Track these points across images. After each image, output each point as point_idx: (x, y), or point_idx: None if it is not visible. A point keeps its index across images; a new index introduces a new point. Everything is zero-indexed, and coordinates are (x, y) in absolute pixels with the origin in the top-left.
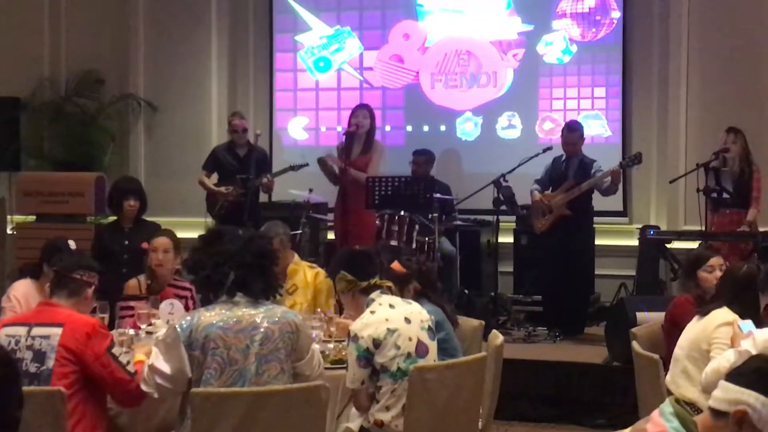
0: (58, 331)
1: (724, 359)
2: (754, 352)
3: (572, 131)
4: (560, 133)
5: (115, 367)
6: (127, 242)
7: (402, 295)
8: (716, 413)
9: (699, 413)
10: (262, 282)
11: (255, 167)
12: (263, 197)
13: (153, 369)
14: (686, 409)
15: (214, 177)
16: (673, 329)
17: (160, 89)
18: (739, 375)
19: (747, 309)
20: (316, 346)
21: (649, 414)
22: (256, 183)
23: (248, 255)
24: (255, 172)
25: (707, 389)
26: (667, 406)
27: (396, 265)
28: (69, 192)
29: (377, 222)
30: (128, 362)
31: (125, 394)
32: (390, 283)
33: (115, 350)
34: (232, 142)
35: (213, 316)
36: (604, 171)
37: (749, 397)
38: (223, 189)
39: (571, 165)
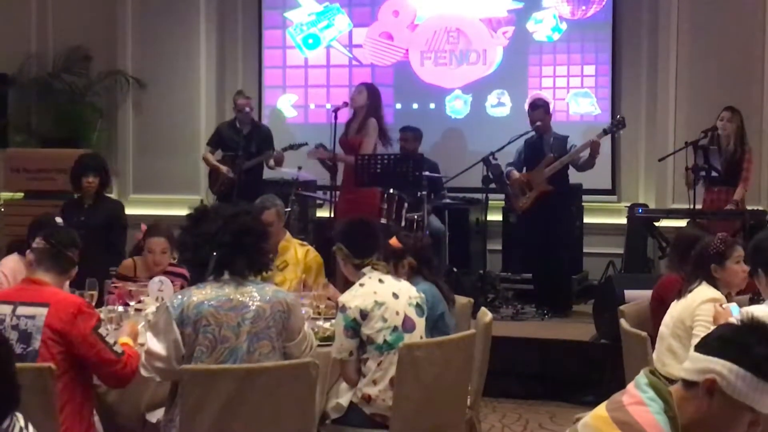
0: (44, 311)
1: None
2: None
3: (534, 109)
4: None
5: (102, 347)
6: (83, 218)
7: (397, 271)
8: (687, 384)
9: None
10: (246, 259)
11: (258, 145)
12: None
13: (149, 353)
14: (661, 379)
15: (218, 154)
16: (660, 307)
17: (148, 66)
18: (705, 344)
19: (709, 280)
20: (309, 330)
21: None
22: (246, 165)
23: (227, 234)
24: (257, 150)
25: None
26: (641, 377)
27: (393, 241)
28: (57, 169)
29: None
30: (115, 342)
31: (112, 374)
32: (383, 266)
33: (102, 330)
34: (236, 120)
35: (204, 294)
36: (578, 146)
37: (716, 365)
38: (224, 168)
39: (545, 142)
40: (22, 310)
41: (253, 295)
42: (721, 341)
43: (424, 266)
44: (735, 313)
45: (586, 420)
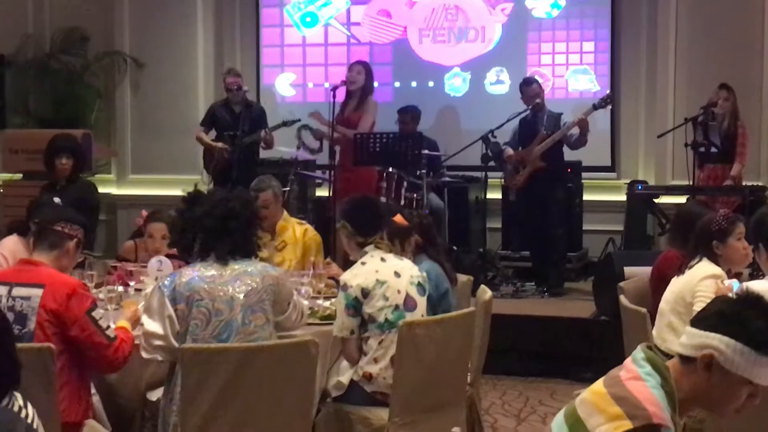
0: (39, 292)
1: None
2: None
3: (527, 85)
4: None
5: (94, 330)
6: (56, 200)
7: (403, 248)
8: (685, 359)
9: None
10: (230, 244)
11: (251, 124)
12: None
13: (147, 334)
14: (657, 354)
15: (212, 134)
16: (659, 284)
17: (146, 46)
18: (702, 319)
19: (711, 256)
20: (298, 299)
21: None
22: (246, 140)
23: (210, 219)
24: (250, 129)
25: None
26: (638, 352)
27: (398, 218)
28: None
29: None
30: (108, 326)
31: (102, 359)
32: (386, 244)
33: (101, 310)
34: (228, 99)
35: (195, 271)
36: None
37: (713, 340)
38: (219, 145)
39: (539, 119)
40: (17, 291)
41: (244, 269)
42: (719, 316)
43: (429, 244)
44: (736, 288)
45: (583, 396)
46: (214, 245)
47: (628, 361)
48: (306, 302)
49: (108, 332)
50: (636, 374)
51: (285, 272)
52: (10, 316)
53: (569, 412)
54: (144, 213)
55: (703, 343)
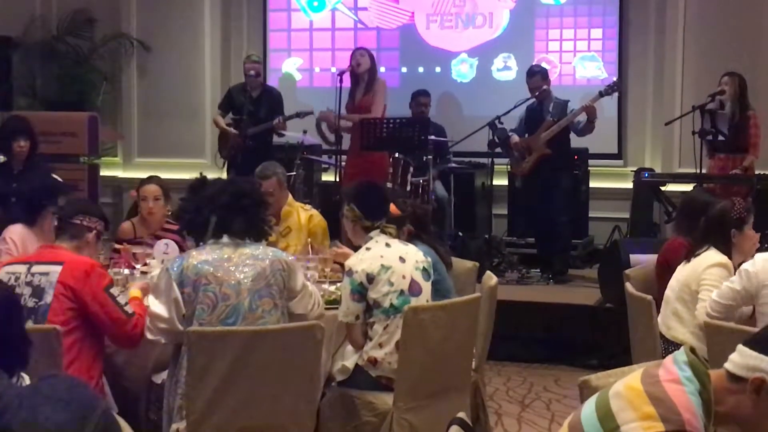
0: (58, 268)
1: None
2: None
3: (531, 76)
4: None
5: (113, 306)
6: (15, 185)
7: (397, 236)
8: (733, 377)
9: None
10: (244, 221)
11: (267, 108)
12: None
13: (152, 315)
14: (701, 360)
15: (229, 117)
16: (665, 272)
17: (153, 29)
18: (759, 341)
19: (724, 246)
20: (312, 287)
21: (642, 355)
22: (251, 131)
23: (225, 196)
24: (266, 114)
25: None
26: (681, 354)
27: (392, 207)
28: (61, 132)
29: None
30: (126, 303)
31: (122, 334)
32: (393, 230)
33: (114, 290)
34: (246, 83)
35: (203, 255)
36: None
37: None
38: (232, 130)
39: (545, 107)
40: (37, 268)
41: (252, 254)
42: None
43: (422, 232)
44: None
45: (618, 389)
46: (230, 223)
47: (668, 361)
48: (313, 287)
49: (126, 308)
50: (675, 377)
51: (299, 259)
52: (28, 290)
53: (601, 402)
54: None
55: (757, 366)
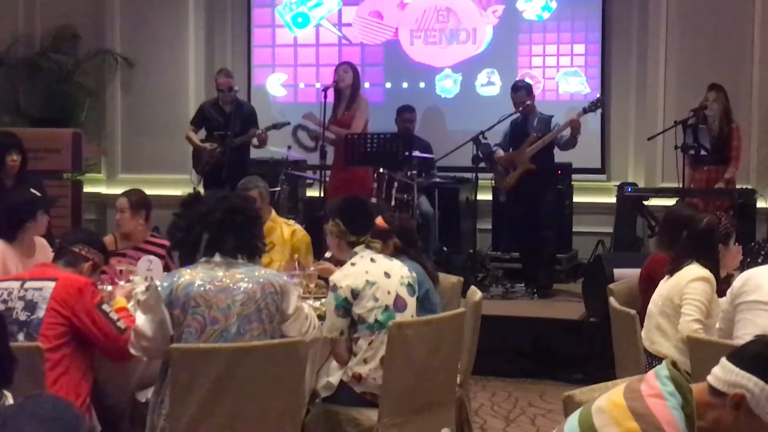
0: (51, 284)
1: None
2: None
3: (516, 91)
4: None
5: (105, 322)
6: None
7: (382, 251)
8: (714, 391)
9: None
10: (236, 238)
11: (241, 124)
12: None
13: (137, 332)
14: (683, 374)
15: (202, 133)
16: (648, 286)
17: (136, 45)
18: (740, 357)
19: (708, 260)
20: (309, 310)
21: (626, 369)
22: (236, 141)
23: (218, 212)
24: (240, 129)
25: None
26: (663, 369)
27: (379, 221)
28: (45, 149)
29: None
30: (118, 319)
31: (115, 349)
32: (378, 244)
33: (106, 306)
34: (219, 99)
35: (194, 275)
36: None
37: (749, 381)
38: (207, 145)
39: (530, 122)
40: (30, 284)
41: (244, 276)
42: (759, 358)
43: (409, 246)
44: None
45: (601, 404)
46: (223, 240)
47: (650, 376)
48: (308, 308)
49: (119, 324)
50: (658, 392)
51: (288, 279)
52: (20, 304)
53: (584, 418)
54: None
55: (737, 382)
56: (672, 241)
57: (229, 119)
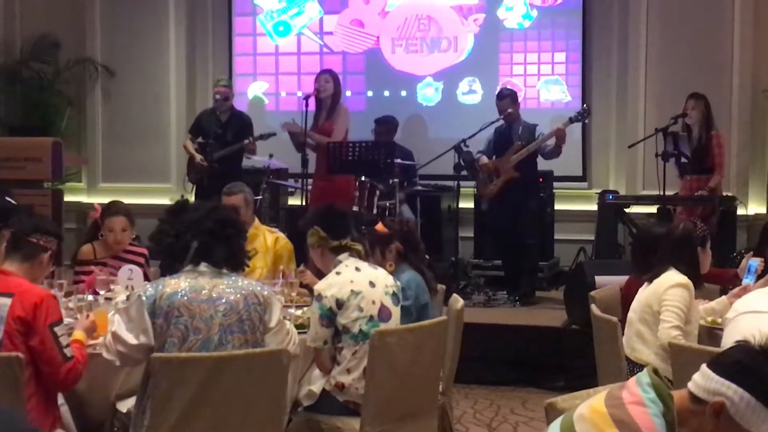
0: (8, 301)
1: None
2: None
3: (501, 99)
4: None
5: (52, 345)
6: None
7: (384, 257)
8: (695, 398)
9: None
10: (225, 250)
11: (234, 132)
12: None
13: (116, 337)
14: (664, 381)
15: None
16: (628, 303)
17: (117, 53)
18: (720, 364)
19: (688, 266)
20: (290, 326)
21: (607, 376)
22: (218, 154)
23: (210, 222)
24: (233, 139)
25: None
26: (644, 376)
27: (379, 226)
28: (25, 157)
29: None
30: (67, 345)
31: (53, 375)
32: (360, 247)
33: (59, 328)
34: (215, 108)
35: (178, 284)
36: (545, 134)
37: (728, 389)
38: (198, 157)
39: (514, 130)
40: None
41: (227, 287)
42: (738, 366)
43: (411, 251)
44: (753, 267)
45: (582, 412)
46: (211, 250)
47: (631, 383)
48: (290, 324)
49: (66, 351)
50: (639, 399)
51: (265, 283)
52: None
53: (566, 425)
54: (97, 206)
55: (717, 390)
56: (647, 264)
57: (223, 128)
